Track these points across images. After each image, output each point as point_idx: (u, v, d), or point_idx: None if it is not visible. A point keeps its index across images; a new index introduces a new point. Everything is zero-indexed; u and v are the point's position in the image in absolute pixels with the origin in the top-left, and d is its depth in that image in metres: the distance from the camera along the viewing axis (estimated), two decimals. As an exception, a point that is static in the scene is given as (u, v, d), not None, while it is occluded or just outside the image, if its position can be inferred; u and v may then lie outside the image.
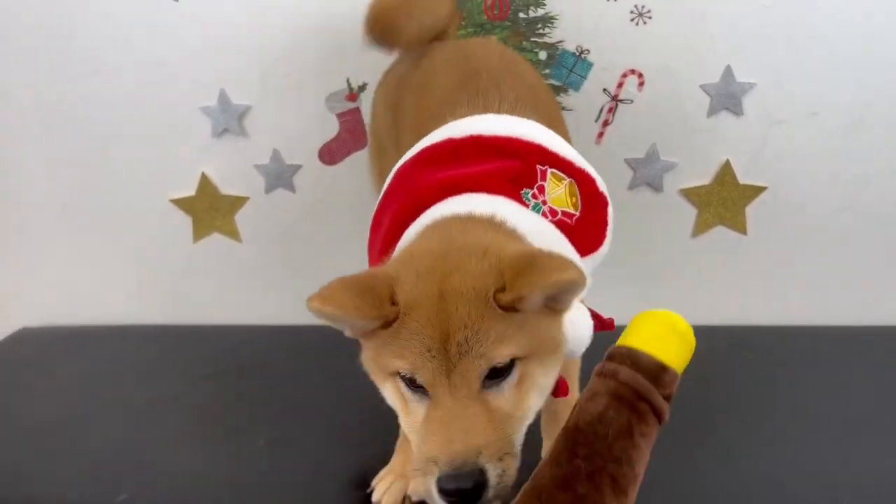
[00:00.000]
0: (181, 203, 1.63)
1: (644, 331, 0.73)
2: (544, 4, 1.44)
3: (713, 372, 1.38)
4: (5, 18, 1.52)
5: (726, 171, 1.51)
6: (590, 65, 1.47)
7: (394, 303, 0.77)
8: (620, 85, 1.48)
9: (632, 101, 1.48)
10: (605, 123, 1.50)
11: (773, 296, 1.59)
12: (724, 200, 1.53)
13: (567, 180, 0.93)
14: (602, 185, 0.96)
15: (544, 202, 0.90)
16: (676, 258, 1.59)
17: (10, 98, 1.58)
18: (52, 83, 1.57)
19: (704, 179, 1.52)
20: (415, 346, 0.76)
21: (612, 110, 1.50)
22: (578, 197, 0.93)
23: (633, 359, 0.72)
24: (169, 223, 1.64)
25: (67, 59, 1.55)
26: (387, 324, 0.78)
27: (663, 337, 0.73)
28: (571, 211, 0.91)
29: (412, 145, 1.00)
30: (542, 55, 1.48)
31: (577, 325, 0.86)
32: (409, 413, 0.81)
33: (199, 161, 1.60)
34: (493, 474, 0.73)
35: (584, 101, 1.49)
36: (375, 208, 1.01)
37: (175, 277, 1.69)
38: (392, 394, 0.83)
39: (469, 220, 0.86)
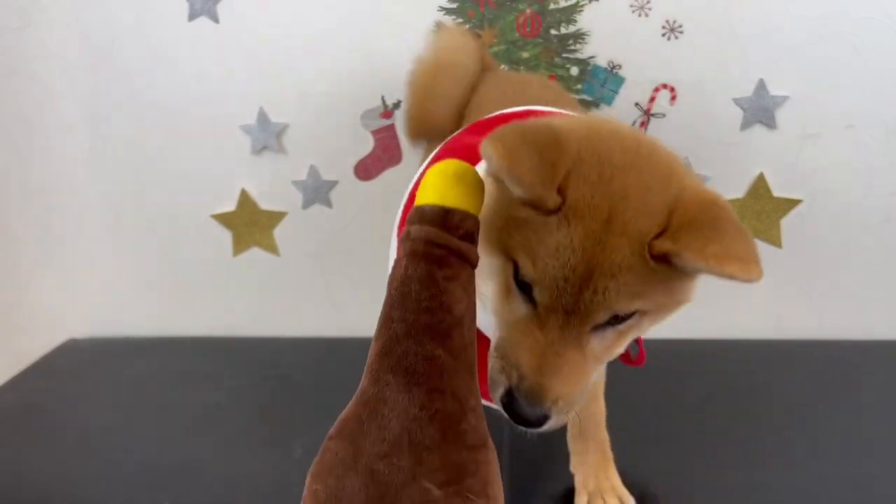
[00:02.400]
0: (222, 218, 1.67)
1: (424, 188, 0.72)
2: (576, 21, 1.45)
3: (750, 386, 1.38)
4: (58, 40, 1.57)
5: (760, 185, 1.50)
6: (622, 80, 1.48)
7: (560, 192, 0.67)
8: (652, 99, 1.48)
9: (664, 116, 1.49)
10: (638, 137, 1.51)
11: (809, 309, 1.57)
12: (759, 214, 1.52)
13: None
14: None
15: None
16: (710, 272, 1.58)
17: (60, 116, 1.63)
18: (99, 102, 1.61)
19: (738, 193, 1.52)
20: (552, 259, 0.67)
21: (644, 125, 1.50)
22: None
23: (418, 214, 0.70)
24: (210, 237, 1.68)
25: (114, 78, 1.59)
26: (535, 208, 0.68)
27: (440, 185, 0.70)
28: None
29: None
30: (574, 71, 1.49)
31: None
32: (509, 302, 0.73)
33: (239, 177, 1.63)
34: (551, 422, 0.70)
35: (616, 116, 1.49)
36: (411, 186, 0.95)
37: (216, 290, 1.73)
38: (497, 271, 0.74)
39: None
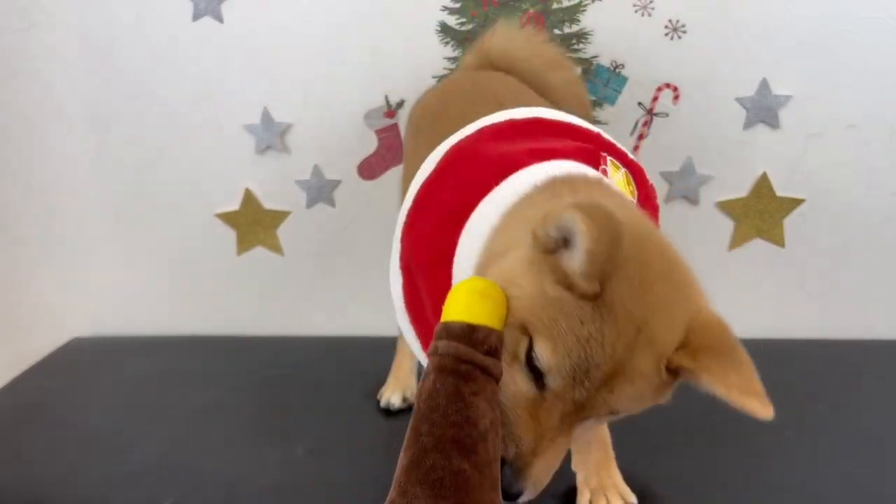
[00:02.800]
0: (226, 217, 1.68)
1: (450, 304, 0.75)
2: (579, 21, 1.46)
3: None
4: (60, 40, 1.58)
5: (763, 184, 1.50)
6: (624, 79, 1.48)
7: (601, 283, 0.66)
8: (655, 99, 1.48)
9: (667, 115, 1.49)
10: (641, 137, 1.51)
11: (811, 309, 1.58)
12: (762, 213, 1.53)
13: (623, 169, 0.92)
14: (652, 183, 0.96)
15: None
16: (713, 271, 1.56)
17: (63, 115, 1.63)
18: (102, 102, 1.62)
19: (741, 192, 1.52)
20: (578, 349, 0.67)
21: (647, 124, 1.50)
22: (634, 185, 0.92)
23: (445, 331, 0.73)
24: (214, 237, 1.69)
25: (117, 78, 1.60)
26: (572, 290, 0.67)
27: (466, 301, 0.73)
28: (629, 198, 0.89)
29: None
30: (577, 70, 1.49)
31: None
32: (512, 374, 0.74)
33: (243, 177, 1.64)
34: (522, 499, 0.74)
35: (619, 115, 1.50)
36: (415, 190, 0.93)
37: (220, 289, 1.73)
38: (509, 342, 0.73)
39: (595, 190, 0.79)
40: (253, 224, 1.67)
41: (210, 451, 1.28)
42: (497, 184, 0.83)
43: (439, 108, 1.19)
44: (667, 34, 1.44)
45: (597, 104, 1.50)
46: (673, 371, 0.69)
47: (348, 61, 1.53)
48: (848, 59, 1.41)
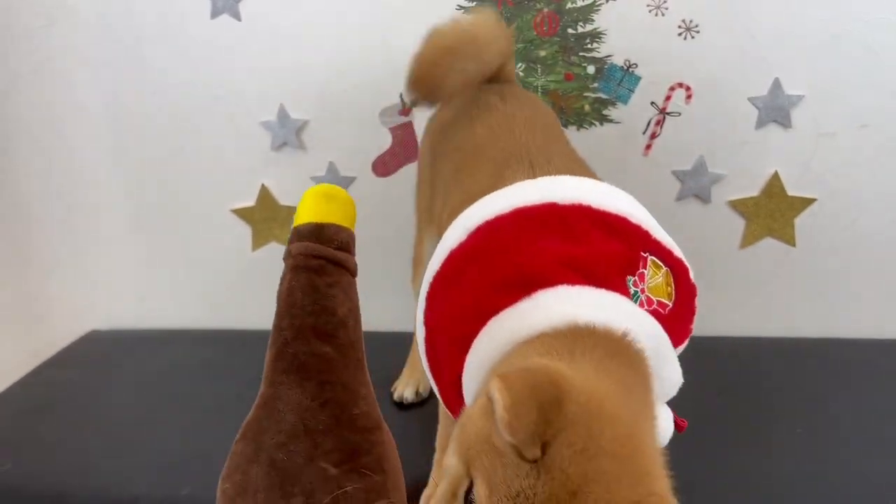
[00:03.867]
0: (242, 213, 1.70)
1: (299, 211, 0.79)
2: (593, 20, 1.47)
3: (763, 383, 1.39)
4: (83, 37, 1.60)
5: (775, 183, 1.51)
6: (638, 78, 1.49)
7: (543, 446, 0.63)
8: (668, 98, 1.49)
9: (679, 114, 1.50)
10: (653, 136, 1.52)
11: (822, 307, 1.58)
12: (773, 212, 1.53)
13: (664, 269, 0.87)
14: (692, 275, 0.90)
15: (643, 290, 0.83)
16: (724, 269, 1.59)
17: (86, 112, 1.66)
18: (122, 98, 1.65)
19: (752, 191, 1.53)
20: (509, 502, 0.63)
21: (659, 123, 1.51)
22: (673, 287, 0.87)
23: (296, 233, 0.78)
24: (230, 232, 1.71)
25: (137, 75, 1.62)
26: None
27: (313, 204, 0.78)
28: (666, 301, 0.85)
29: (448, 200, 0.98)
30: (591, 69, 1.50)
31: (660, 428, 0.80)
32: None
33: (260, 173, 1.66)
34: None
35: (631, 114, 1.51)
36: (443, 256, 0.88)
37: (235, 284, 1.76)
38: (453, 476, 0.69)
39: (601, 349, 0.74)
40: (268, 220, 1.69)
41: (227, 442, 1.28)
42: (519, 298, 0.79)
43: (464, 138, 1.13)
44: (680, 34, 1.45)
45: (610, 103, 1.51)
46: None
47: (364, 60, 1.54)
48: (860, 59, 1.41)
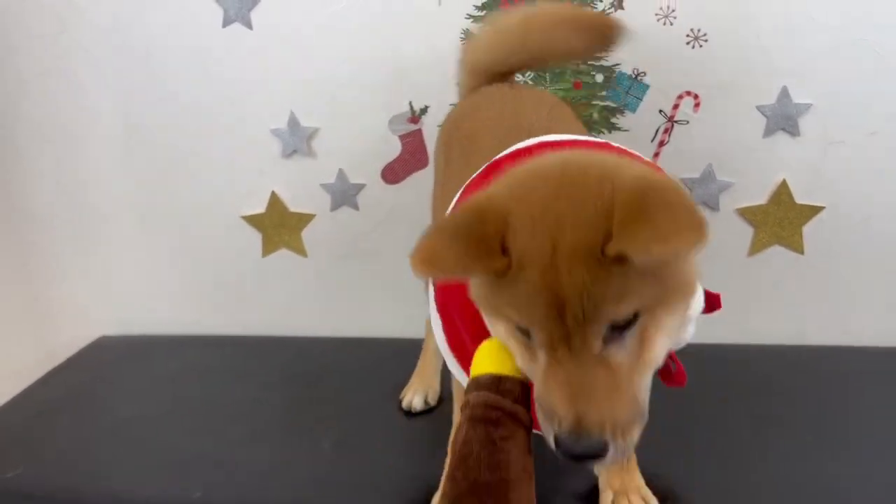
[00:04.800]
0: (252, 219, 1.71)
1: (478, 360, 0.81)
2: (601, 29, 1.48)
3: (772, 391, 1.39)
4: (95, 43, 1.62)
5: (783, 191, 1.51)
6: (646, 87, 1.50)
7: (505, 251, 0.70)
8: (676, 106, 1.50)
9: (688, 122, 1.50)
10: (662, 144, 1.53)
11: (831, 315, 1.58)
12: (781, 220, 1.53)
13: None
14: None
15: None
16: (733, 276, 1.59)
17: (97, 117, 1.67)
18: (134, 104, 1.66)
19: (761, 199, 1.53)
20: (531, 305, 0.69)
21: (667, 131, 1.52)
22: None
23: (475, 383, 0.79)
24: (240, 238, 1.72)
25: (149, 82, 1.64)
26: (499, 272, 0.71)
27: (492, 355, 0.79)
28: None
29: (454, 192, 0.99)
30: (599, 77, 1.51)
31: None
32: (525, 352, 0.76)
33: (270, 180, 1.67)
34: (612, 451, 0.69)
35: (640, 122, 1.52)
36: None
37: (245, 290, 1.77)
38: (504, 333, 0.78)
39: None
40: (278, 226, 1.71)
41: (237, 446, 1.31)
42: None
43: (471, 137, 1.16)
44: (688, 43, 1.45)
45: (618, 111, 1.52)
46: (617, 259, 0.65)
47: (373, 68, 1.55)
48: (869, 66, 1.41)
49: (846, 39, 1.41)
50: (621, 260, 0.65)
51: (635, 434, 0.72)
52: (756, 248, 1.56)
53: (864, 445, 1.21)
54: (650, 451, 1.16)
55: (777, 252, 1.56)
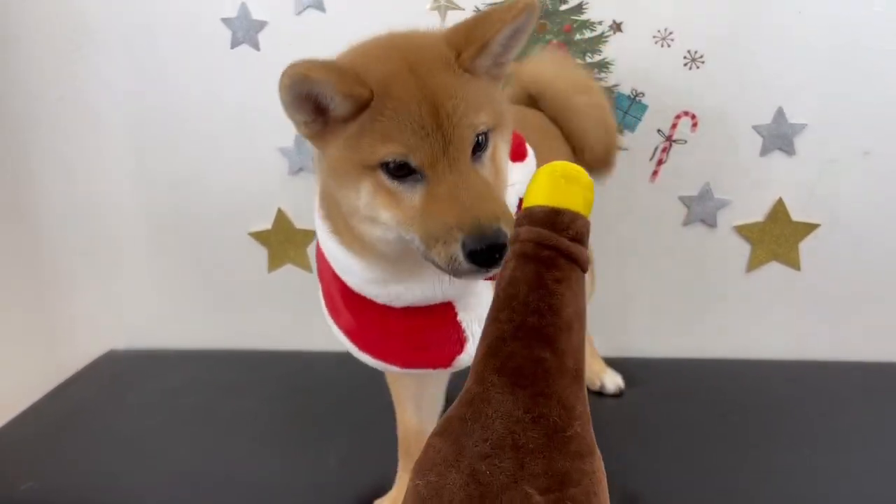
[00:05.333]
0: (258, 236, 1.74)
1: (533, 189, 0.71)
2: (600, 51, 1.51)
3: (770, 405, 1.42)
4: (109, 66, 1.65)
5: (779, 209, 1.54)
6: (644, 107, 1.53)
7: (364, 85, 0.77)
8: (674, 126, 1.53)
9: (686, 142, 1.54)
10: (660, 162, 1.56)
11: (826, 331, 1.61)
12: (778, 237, 1.56)
13: None
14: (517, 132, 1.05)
15: None
16: (731, 292, 1.62)
17: (109, 137, 1.71)
18: (145, 124, 1.69)
19: (758, 217, 1.56)
20: (404, 125, 0.76)
21: (666, 150, 1.55)
22: None
23: (527, 216, 0.70)
24: (247, 254, 1.75)
25: (160, 102, 1.67)
26: (359, 108, 0.77)
27: (549, 185, 0.69)
28: None
29: None
30: (603, 96, 1.53)
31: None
32: (400, 203, 0.79)
33: (276, 197, 1.70)
34: (509, 236, 0.73)
35: (639, 141, 1.55)
36: None
37: (251, 305, 1.79)
38: (371, 191, 0.80)
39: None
40: (284, 243, 1.73)
41: (242, 459, 1.33)
42: None
43: None
44: (685, 64, 1.49)
45: (617, 131, 1.55)
46: (471, 70, 0.81)
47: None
48: (861, 88, 1.45)
49: (838, 61, 1.45)
50: (472, 70, 0.80)
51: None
52: (754, 264, 1.59)
53: (860, 459, 1.23)
54: (649, 464, 1.19)
55: (774, 268, 1.59)
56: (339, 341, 1.05)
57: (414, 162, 0.77)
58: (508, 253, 0.70)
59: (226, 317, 1.82)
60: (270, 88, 1.65)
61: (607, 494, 0.66)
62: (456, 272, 0.76)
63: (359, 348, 1.02)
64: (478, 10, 1.51)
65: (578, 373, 0.67)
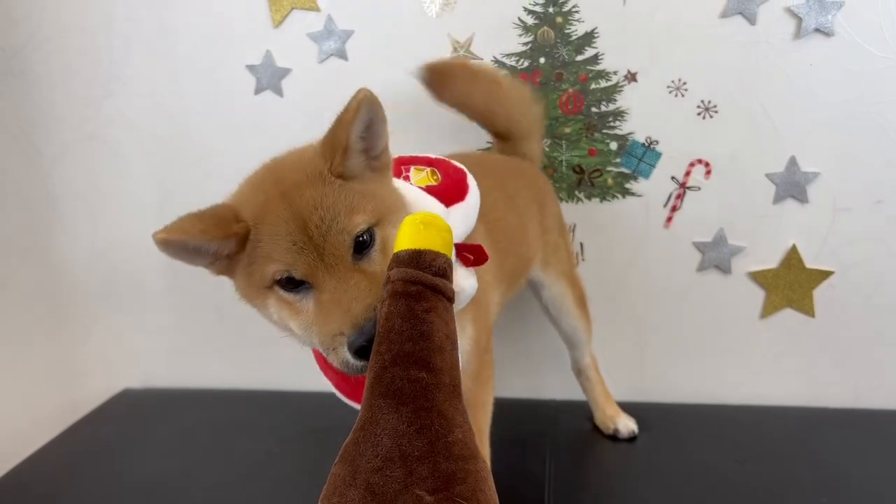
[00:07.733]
0: (276, 277, 1.75)
1: (399, 237, 0.82)
2: (615, 100, 1.54)
3: (785, 452, 1.41)
4: (135, 109, 1.70)
5: (793, 256, 1.56)
6: (658, 154, 1.56)
7: (240, 221, 0.85)
8: (688, 174, 1.56)
9: (699, 189, 1.56)
10: (674, 209, 1.58)
11: (842, 377, 1.61)
12: (792, 284, 1.58)
13: (427, 169, 1.11)
14: (462, 168, 1.13)
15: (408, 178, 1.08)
16: (745, 339, 1.62)
17: (132, 180, 1.75)
18: (168, 167, 1.73)
19: (772, 263, 1.57)
20: (280, 244, 0.82)
21: (680, 197, 1.57)
22: (439, 175, 1.10)
23: (395, 259, 0.80)
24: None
25: (184, 145, 1.72)
26: (243, 242, 0.85)
27: (411, 232, 0.80)
28: (433, 184, 1.07)
29: None
30: (613, 145, 1.57)
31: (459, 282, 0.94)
32: (299, 313, 0.86)
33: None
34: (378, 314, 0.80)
35: (653, 188, 1.58)
36: None
37: (266, 345, 1.79)
38: (276, 307, 0.87)
39: None
40: (301, 284, 1.74)
41: (257, 499, 1.33)
42: None
43: None
44: (699, 113, 1.52)
45: (632, 177, 1.58)
46: (343, 176, 0.87)
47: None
48: (873, 137, 1.47)
49: (850, 112, 1.47)
50: (343, 177, 0.86)
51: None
52: (768, 310, 1.60)
53: (878, 507, 1.22)
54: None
55: (788, 315, 1.60)
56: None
57: (296, 275, 0.83)
58: (384, 293, 0.79)
59: (241, 356, 1.83)
60: (293, 134, 1.69)
61: (495, 494, 0.74)
62: (354, 371, 0.82)
63: (346, 396, 1.05)
64: (495, 59, 1.56)
65: (455, 388, 0.76)
